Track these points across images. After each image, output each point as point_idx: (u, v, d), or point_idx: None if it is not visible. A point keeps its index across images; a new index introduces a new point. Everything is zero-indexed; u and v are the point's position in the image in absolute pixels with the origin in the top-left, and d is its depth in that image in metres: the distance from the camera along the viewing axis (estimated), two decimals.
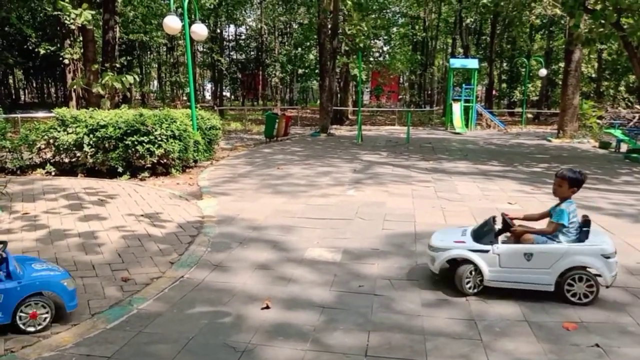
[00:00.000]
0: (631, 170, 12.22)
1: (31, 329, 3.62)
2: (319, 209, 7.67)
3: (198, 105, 14.91)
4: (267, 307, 4.17)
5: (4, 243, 3.72)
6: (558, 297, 4.31)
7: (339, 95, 33.26)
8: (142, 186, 9.43)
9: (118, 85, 14.28)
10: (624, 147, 15.92)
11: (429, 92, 51.57)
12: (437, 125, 29.60)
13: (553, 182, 4.54)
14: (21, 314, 3.58)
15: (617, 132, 16.92)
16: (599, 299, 4.37)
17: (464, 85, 28.15)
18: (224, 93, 50.01)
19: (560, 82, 24.14)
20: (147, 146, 9.86)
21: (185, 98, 38.66)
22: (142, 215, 7.11)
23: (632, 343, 3.62)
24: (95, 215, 7.05)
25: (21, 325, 3.60)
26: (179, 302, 4.26)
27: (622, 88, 32.73)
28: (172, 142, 10.11)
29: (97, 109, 11.53)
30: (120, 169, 10.14)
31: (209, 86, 58.77)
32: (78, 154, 10.33)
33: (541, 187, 9.68)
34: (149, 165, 10.20)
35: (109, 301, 4.26)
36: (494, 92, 40.93)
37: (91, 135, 10.13)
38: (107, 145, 10.09)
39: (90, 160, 10.28)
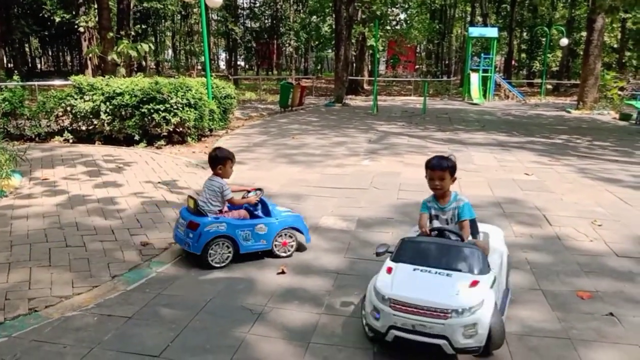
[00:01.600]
0: None
1: (283, 254, 4.55)
2: (334, 179, 7.69)
3: (213, 75, 14.87)
4: (283, 272, 4.24)
5: (261, 190, 4.71)
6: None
7: (354, 65, 32.90)
8: (159, 154, 9.51)
9: (133, 54, 14.27)
10: None
11: (447, 62, 50.76)
12: (454, 95, 29.21)
13: (430, 178, 3.50)
14: (276, 243, 4.51)
15: (639, 104, 16.55)
16: (614, 269, 4.37)
17: (482, 54, 27.62)
18: (239, 62, 49.72)
19: (582, 52, 23.60)
20: (163, 114, 9.90)
21: (199, 67, 38.53)
22: (159, 182, 7.19)
23: None
24: (113, 182, 7.14)
25: (276, 251, 4.52)
26: (196, 266, 4.34)
27: None
28: (187, 111, 10.13)
29: (113, 77, 11.56)
30: (137, 137, 10.22)
31: (223, 55, 58.45)
32: (95, 122, 10.41)
33: (560, 159, 9.56)
34: (165, 134, 10.25)
35: (128, 264, 4.35)
36: (513, 62, 40.13)
37: (108, 103, 10.18)
38: (123, 113, 10.14)
39: (107, 128, 10.36)
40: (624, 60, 32.84)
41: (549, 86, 33.24)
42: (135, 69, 20.16)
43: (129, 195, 6.50)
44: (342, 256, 4.64)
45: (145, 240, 4.92)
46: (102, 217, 5.59)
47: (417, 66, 46.97)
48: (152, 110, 9.88)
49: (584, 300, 3.80)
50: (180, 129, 10.40)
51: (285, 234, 4.54)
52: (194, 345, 3.11)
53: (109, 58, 15.06)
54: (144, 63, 19.29)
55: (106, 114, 10.20)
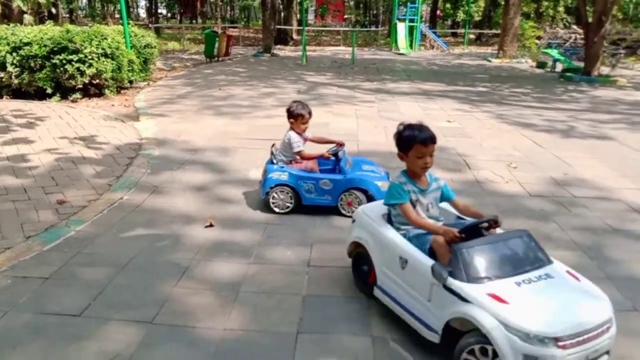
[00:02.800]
0: (565, 89, 12.69)
1: (344, 212, 4.43)
2: (263, 130, 7.58)
3: (131, 23, 13.98)
4: (211, 225, 4.17)
5: (341, 145, 4.61)
6: None
7: (282, 14, 32.06)
8: (74, 108, 8.94)
9: (41, 0, 13.09)
10: (559, 67, 16.41)
11: (375, 11, 50.57)
12: (382, 46, 29.32)
13: (422, 154, 2.84)
14: (341, 201, 4.42)
15: (554, 52, 17.37)
16: (528, 209, 4.65)
17: (408, 4, 27.72)
18: (160, 11, 47.05)
19: (503, 3, 24.20)
20: (77, 65, 9.24)
21: (117, 15, 36.12)
22: (75, 138, 6.79)
23: (555, 247, 3.89)
24: (24, 139, 6.66)
25: (340, 208, 4.44)
26: (118, 223, 4.18)
27: (560, 8, 33.22)
28: (103, 61, 9.51)
29: (19, 25, 10.59)
30: (49, 90, 9.51)
31: (143, 2, 55.04)
32: (1, 75, 9.56)
33: (479, 106, 9.92)
34: (81, 86, 9.61)
35: (44, 224, 4.12)
36: (438, 12, 40.61)
37: (14, 54, 9.35)
38: (32, 64, 9.36)
39: (16, 81, 9.56)
40: (541, 10, 34.09)
41: (472, 36, 34.08)
42: (46, 17, 18.56)
43: (41, 152, 6.10)
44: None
45: (62, 198, 4.66)
46: (13, 175, 5.23)
47: (345, 16, 46.51)
48: (64, 61, 9.18)
49: None
50: (97, 81, 9.78)
51: (351, 194, 4.39)
52: (117, 302, 3.02)
53: (14, 5, 13.72)
54: (54, 11, 17.77)
55: (13, 66, 9.39)
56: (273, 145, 4.76)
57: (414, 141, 2.83)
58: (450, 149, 6.63)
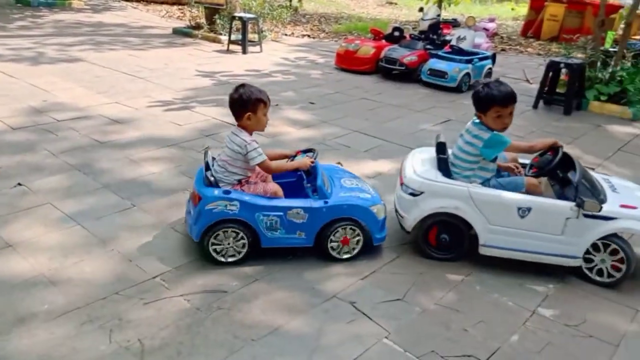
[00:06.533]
0: (24, 15, 12.02)
1: (338, 256, 3.00)
2: None
3: None
4: None
5: (313, 151, 3.16)
6: None
7: None
8: None
9: None
10: None
11: None
12: None
13: (508, 115, 2.88)
14: (332, 239, 2.96)
15: None
16: (12, 143, 4.43)
17: None
18: None
19: None
20: None
21: None
22: None
23: (49, 173, 3.92)
24: None
25: (330, 251, 2.98)
26: None
27: None
28: None
29: None
30: None
31: None
32: None
33: None
34: None
35: None
36: None
37: None
38: None
39: None
40: None
41: None
42: None
43: None
44: None
45: None
46: None
47: None
48: None
49: None
50: None
51: (346, 227, 2.95)
52: None
53: None
54: None
55: None
56: (206, 150, 3.09)
57: (491, 102, 2.83)
58: None
